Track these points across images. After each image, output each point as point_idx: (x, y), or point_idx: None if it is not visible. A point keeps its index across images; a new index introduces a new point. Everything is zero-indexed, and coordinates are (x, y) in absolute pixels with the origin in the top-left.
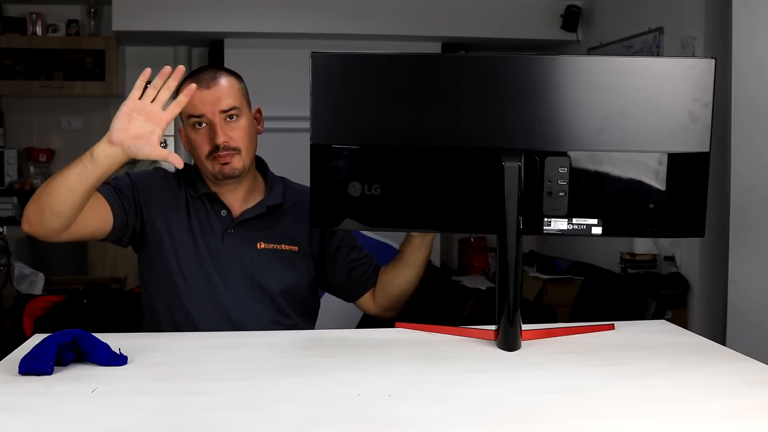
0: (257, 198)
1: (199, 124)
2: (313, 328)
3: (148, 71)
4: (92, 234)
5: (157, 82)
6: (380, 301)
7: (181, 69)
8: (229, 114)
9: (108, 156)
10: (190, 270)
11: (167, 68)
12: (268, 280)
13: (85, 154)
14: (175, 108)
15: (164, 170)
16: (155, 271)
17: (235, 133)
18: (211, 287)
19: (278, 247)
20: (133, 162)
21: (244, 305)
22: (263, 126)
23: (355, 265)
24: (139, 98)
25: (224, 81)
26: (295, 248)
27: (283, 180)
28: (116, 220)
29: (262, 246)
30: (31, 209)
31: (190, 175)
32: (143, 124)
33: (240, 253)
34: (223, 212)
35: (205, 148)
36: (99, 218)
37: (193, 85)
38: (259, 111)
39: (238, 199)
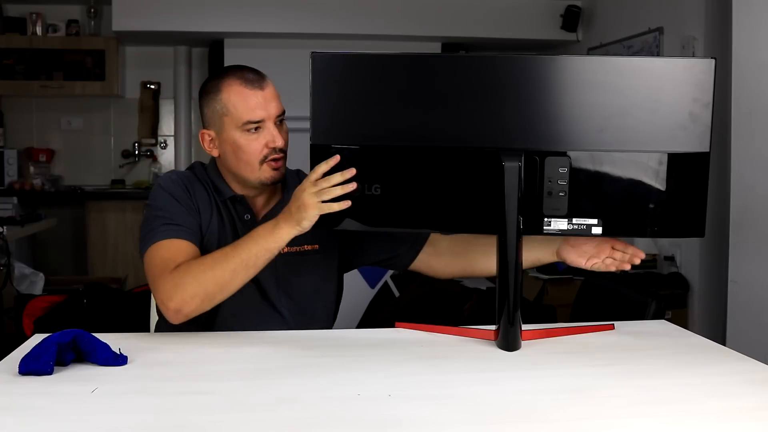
0: (277, 197)
1: (256, 129)
2: (334, 322)
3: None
4: None
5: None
6: (451, 269)
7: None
8: (280, 117)
9: (291, 238)
10: None
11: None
12: (295, 286)
13: (266, 241)
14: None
15: (183, 175)
16: None
17: (284, 136)
18: (240, 298)
19: (300, 249)
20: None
21: (270, 311)
22: None
23: (394, 236)
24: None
25: (270, 83)
26: (317, 246)
27: (299, 174)
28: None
29: (285, 250)
30: (189, 296)
31: (210, 178)
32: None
33: None
34: (247, 216)
35: (261, 153)
36: None
37: (337, 156)
38: None
39: (262, 201)
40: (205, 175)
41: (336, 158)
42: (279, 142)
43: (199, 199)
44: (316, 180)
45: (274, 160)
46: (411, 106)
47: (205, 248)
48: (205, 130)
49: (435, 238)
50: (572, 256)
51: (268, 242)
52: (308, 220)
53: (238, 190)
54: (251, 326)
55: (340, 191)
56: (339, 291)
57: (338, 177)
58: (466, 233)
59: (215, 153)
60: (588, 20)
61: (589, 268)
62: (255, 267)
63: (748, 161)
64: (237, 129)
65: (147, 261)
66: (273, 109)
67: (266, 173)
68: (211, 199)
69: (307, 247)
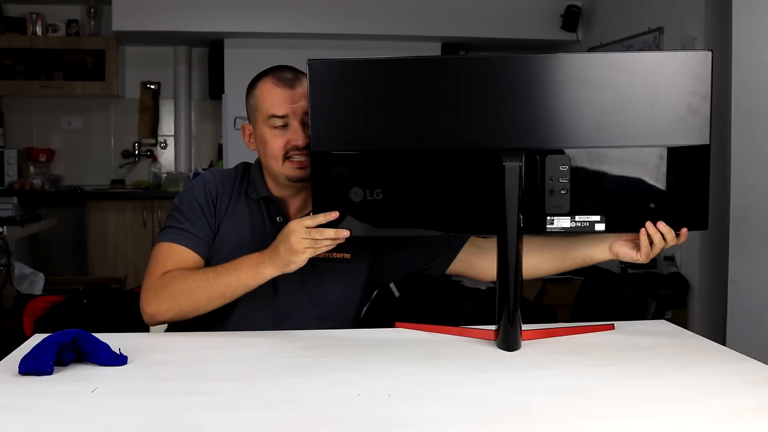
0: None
1: (281, 125)
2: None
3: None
4: None
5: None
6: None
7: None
8: None
9: (273, 277)
10: None
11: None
12: (318, 291)
13: (247, 277)
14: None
15: (219, 173)
16: None
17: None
18: (260, 297)
19: (329, 256)
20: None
21: (291, 316)
22: None
23: (430, 239)
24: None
25: (305, 83)
26: (348, 255)
27: None
28: (204, 257)
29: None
30: (165, 309)
31: (251, 176)
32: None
33: None
34: (279, 218)
35: (282, 149)
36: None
37: (336, 213)
38: None
39: (297, 205)
40: (249, 174)
41: (335, 214)
42: (299, 141)
43: (225, 199)
44: (310, 228)
45: (297, 158)
46: (409, 109)
47: (223, 243)
48: (245, 124)
49: (476, 237)
50: (625, 249)
51: (249, 279)
52: (297, 264)
53: (275, 190)
54: (265, 329)
55: (326, 248)
56: (362, 301)
57: (331, 233)
58: (468, 234)
59: (252, 147)
60: (588, 20)
61: (644, 260)
62: (231, 298)
63: (748, 161)
64: (264, 124)
65: (150, 256)
66: (299, 108)
67: (289, 170)
68: (244, 198)
69: (336, 255)
